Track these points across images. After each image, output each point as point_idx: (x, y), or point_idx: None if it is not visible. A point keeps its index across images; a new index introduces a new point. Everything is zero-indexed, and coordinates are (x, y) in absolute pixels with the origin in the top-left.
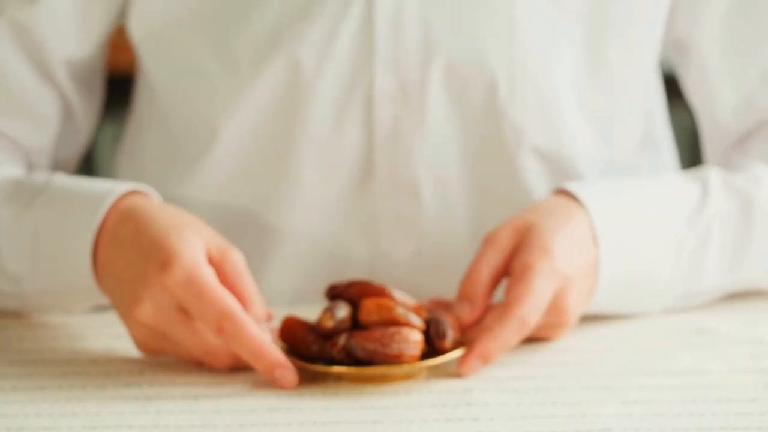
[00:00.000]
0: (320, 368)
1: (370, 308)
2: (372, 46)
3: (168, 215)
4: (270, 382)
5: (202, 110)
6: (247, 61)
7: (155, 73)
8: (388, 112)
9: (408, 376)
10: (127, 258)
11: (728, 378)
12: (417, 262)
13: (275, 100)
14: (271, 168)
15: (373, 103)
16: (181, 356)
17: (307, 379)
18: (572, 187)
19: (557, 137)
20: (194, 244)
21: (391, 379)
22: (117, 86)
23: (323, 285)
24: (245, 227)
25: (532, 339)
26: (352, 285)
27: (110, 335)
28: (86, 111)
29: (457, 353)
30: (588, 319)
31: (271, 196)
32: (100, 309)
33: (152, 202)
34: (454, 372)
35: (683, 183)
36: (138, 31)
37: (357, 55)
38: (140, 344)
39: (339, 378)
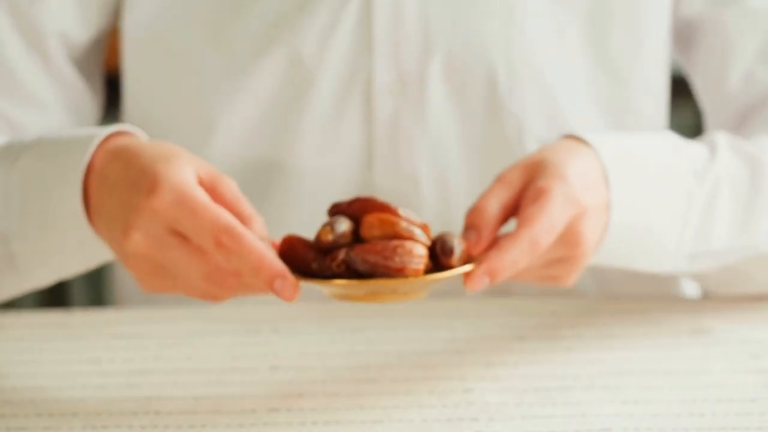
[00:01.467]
0: (319, 282)
1: (372, 223)
2: (371, 40)
3: (156, 147)
4: (270, 382)
5: (200, 105)
6: (246, 55)
7: (151, 68)
8: (387, 106)
9: (411, 293)
10: (117, 194)
11: (728, 378)
12: None
13: (274, 94)
14: (271, 162)
15: (372, 96)
16: (181, 290)
17: (308, 379)
18: (579, 132)
19: (561, 129)
20: (183, 168)
21: (393, 296)
22: (116, 86)
23: None
24: None
25: (544, 281)
26: (354, 201)
27: (110, 335)
28: (90, 100)
29: (464, 269)
30: (587, 319)
31: (270, 190)
32: (100, 309)
33: (140, 140)
34: (454, 372)
35: (691, 143)
36: (134, 27)
37: (356, 48)
38: (140, 281)
39: (339, 297)
